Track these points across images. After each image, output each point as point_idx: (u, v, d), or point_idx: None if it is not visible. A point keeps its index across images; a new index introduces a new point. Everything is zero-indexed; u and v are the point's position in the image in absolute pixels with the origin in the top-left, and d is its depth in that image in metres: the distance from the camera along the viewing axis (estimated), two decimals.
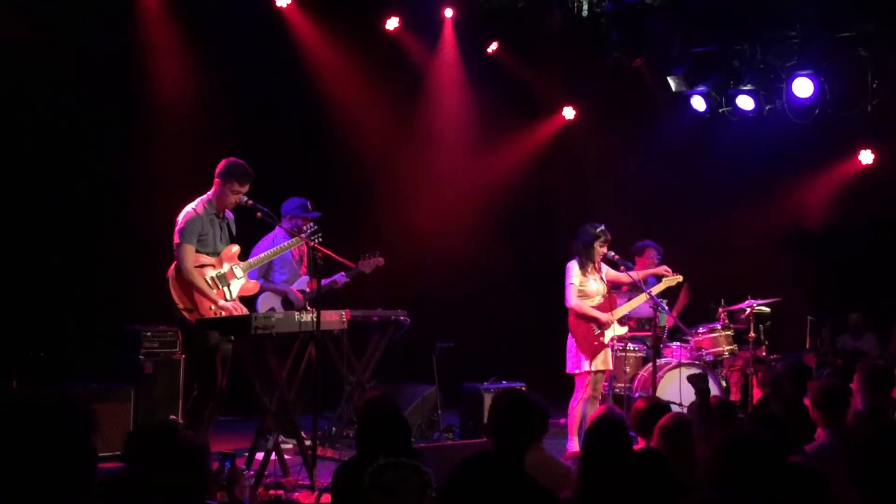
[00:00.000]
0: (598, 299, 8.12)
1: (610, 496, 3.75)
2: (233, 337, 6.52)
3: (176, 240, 6.47)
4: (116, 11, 8.88)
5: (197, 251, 6.51)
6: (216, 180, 6.65)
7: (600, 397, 8.12)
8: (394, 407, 4.50)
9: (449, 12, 11.13)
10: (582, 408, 7.94)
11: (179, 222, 6.51)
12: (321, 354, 6.97)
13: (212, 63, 9.40)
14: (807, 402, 5.39)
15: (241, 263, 6.79)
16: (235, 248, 6.78)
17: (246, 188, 6.66)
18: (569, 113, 12.38)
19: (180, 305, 6.44)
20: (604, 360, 8.05)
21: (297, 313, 6.53)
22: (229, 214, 6.81)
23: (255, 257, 7.12)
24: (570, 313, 8.10)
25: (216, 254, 6.64)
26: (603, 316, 8.03)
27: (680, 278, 8.69)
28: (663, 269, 8.68)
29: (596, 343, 8.00)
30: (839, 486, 3.53)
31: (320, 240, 7.10)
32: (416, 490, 3.12)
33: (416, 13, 10.77)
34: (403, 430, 4.11)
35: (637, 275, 8.56)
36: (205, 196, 6.67)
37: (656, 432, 4.49)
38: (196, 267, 6.47)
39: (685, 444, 4.39)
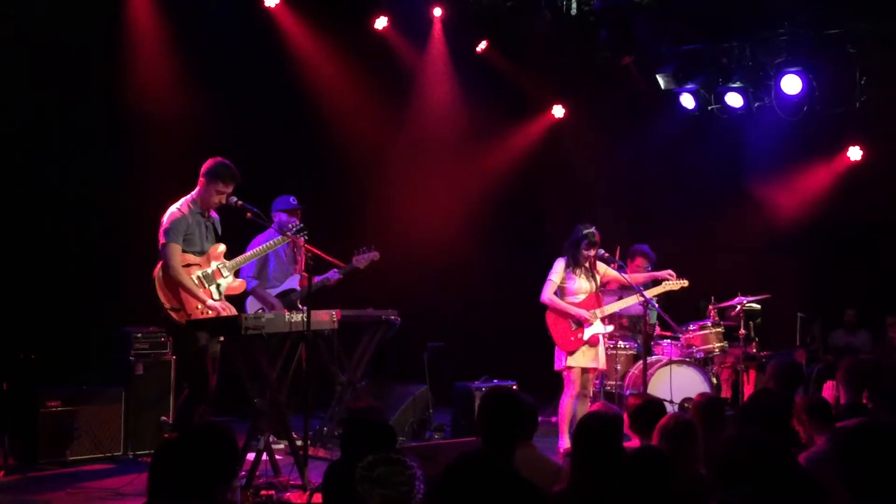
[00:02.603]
0: (581, 297, 8.06)
1: (602, 493, 3.75)
2: (222, 338, 6.51)
3: (161, 240, 6.45)
4: (105, 10, 8.85)
5: (183, 251, 6.47)
6: (201, 180, 6.62)
7: (591, 395, 8.10)
8: (380, 417, 4.55)
9: (437, 11, 11.14)
10: (573, 405, 7.90)
11: (164, 222, 6.48)
12: (312, 354, 6.94)
13: (201, 63, 9.37)
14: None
15: (228, 262, 6.75)
16: (221, 248, 6.74)
17: (230, 188, 6.63)
18: (558, 111, 12.41)
19: (167, 305, 6.40)
20: (594, 358, 8.02)
21: (287, 313, 6.51)
22: (214, 214, 6.79)
23: (242, 256, 7.04)
24: (547, 309, 8.08)
25: (202, 253, 6.61)
26: (580, 312, 7.94)
27: (685, 283, 8.52)
28: (667, 272, 8.54)
29: (573, 339, 7.93)
30: (834, 492, 3.52)
31: (306, 237, 7.06)
32: (407, 481, 3.16)
33: (404, 12, 10.77)
34: (388, 437, 4.13)
35: (639, 277, 8.54)
36: (189, 196, 6.64)
37: (657, 432, 4.47)
38: (183, 266, 6.45)
39: (688, 444, 4.38)
